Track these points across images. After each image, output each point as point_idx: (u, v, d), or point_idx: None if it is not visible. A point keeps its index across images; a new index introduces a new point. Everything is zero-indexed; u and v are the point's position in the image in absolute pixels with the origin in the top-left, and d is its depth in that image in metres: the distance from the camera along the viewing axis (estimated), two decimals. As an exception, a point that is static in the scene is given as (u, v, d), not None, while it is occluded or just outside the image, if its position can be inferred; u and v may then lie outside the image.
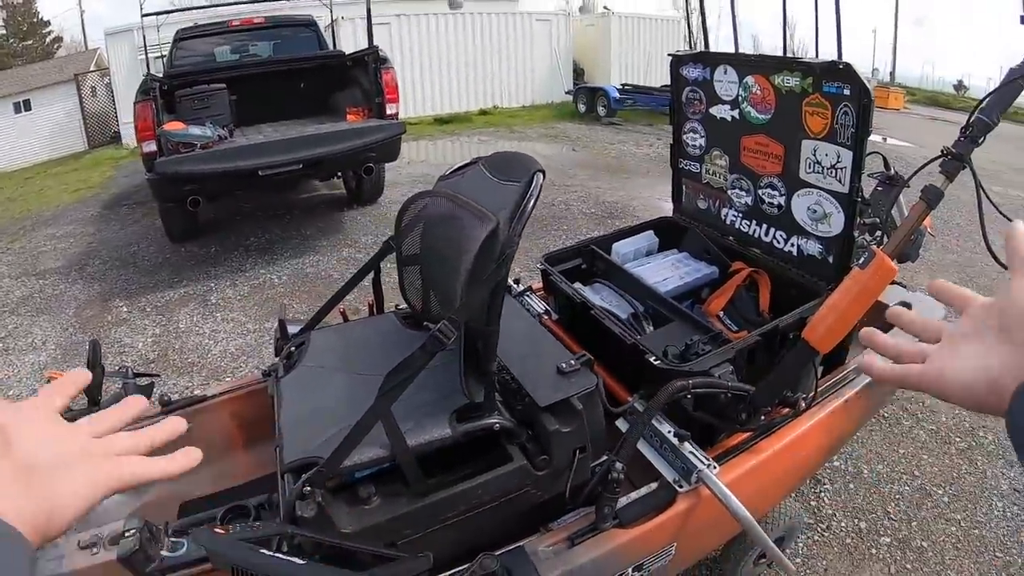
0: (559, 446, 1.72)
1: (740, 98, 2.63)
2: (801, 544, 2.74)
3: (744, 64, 2.59)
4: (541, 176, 1.71)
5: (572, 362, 1.85)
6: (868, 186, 2.84)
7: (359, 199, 7.59)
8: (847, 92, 2.18)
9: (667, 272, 2.75)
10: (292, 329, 2.44)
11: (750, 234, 2.76)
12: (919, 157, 9.57)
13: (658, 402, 1.81)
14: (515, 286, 2.91)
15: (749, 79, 2.56)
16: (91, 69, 17.60)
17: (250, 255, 6.41)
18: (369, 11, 6.83)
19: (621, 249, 2.93)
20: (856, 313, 1.71)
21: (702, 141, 2.92)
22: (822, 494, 3.05)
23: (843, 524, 2.88)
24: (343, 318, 2.67)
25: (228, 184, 6.05)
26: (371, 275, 2.51)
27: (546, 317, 2.71)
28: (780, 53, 2.69)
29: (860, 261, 1.70)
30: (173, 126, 5.73)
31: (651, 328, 2.50)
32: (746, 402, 1.95)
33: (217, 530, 1.64)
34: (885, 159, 3.01)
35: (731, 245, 2.82)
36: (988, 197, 1.81)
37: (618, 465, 1.75)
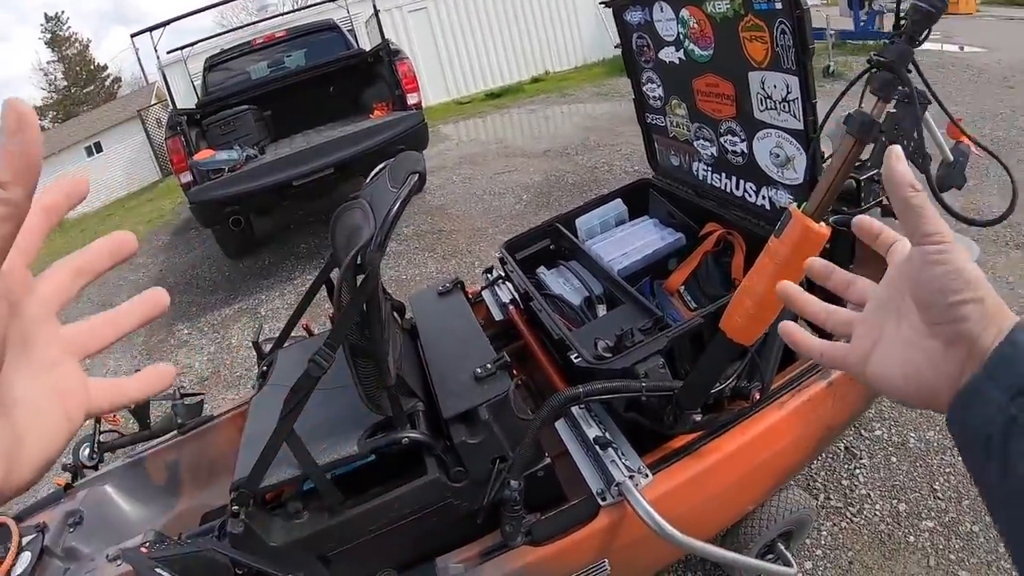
0: (471, 457, 1.65)
1: (681, 36, 2.17)
2: (824, 532, 2.30)
3: (675, -3, 2.14)
4: (415, 178, 1.59)
5: (488, 366, 1.76)
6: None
7: (405, 189, 7.33)
8: (779, 5, 1.71)
9: (630, 244, 2.35)
10: (268, 348, 2.45)
11: (723, 189, 2.31)
12: (992, 63, 8.55)
13: (540, 417, 1.58)
14: (488, 275, 2.67)
15: (684, 12, 2.10)
16: (152, 102, 18.22)
17: (299, 262, 6.37)
18: (375, 5, 6.56)
19: (585, 224, 2.54)
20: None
21: (660, 91, 2.48)
22: (856, 471, 2.56)
23: (878, 507, 2.40)
24: (308, 333, 2.63)
25: (265, 199, 5.97)
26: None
27: (512, 308, 2.44)
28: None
29: (777, 226, 1.29)
30: (202, 155, 5.74)
31: (605, 312, 2.13)
32: (672, 402, 1.61)
33: (143, 549, 1.65)
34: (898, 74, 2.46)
35: (708, 206, 2.38)
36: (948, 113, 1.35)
37: (512, 483, 1.56)
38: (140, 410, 3.04)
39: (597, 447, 1.64)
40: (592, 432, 1.67)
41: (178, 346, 5.40)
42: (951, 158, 2.33)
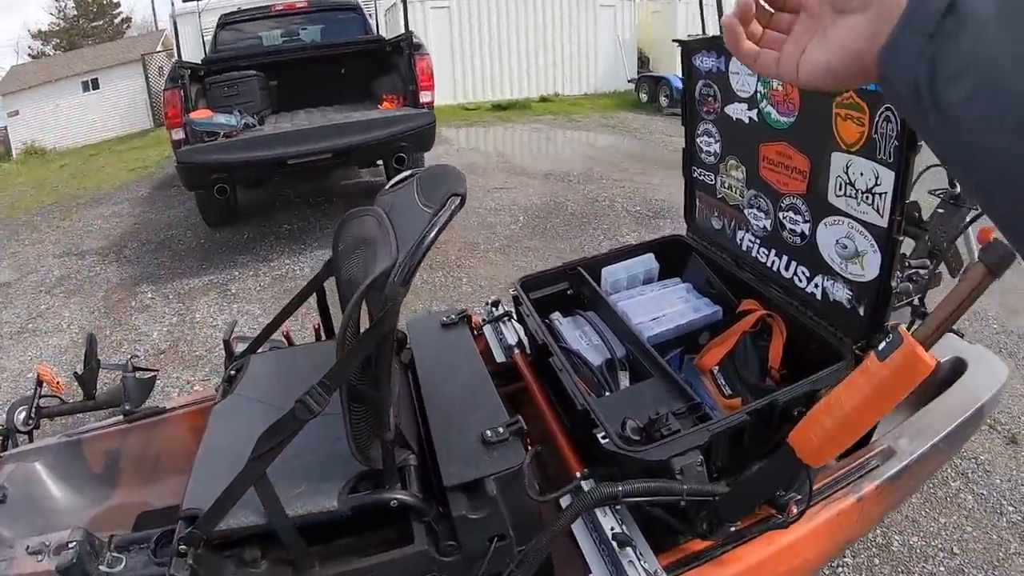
0: (468, 533, 1.45)
1: (759, 95, 1.99)
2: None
3: (763, 51, 1.95)
4: (456, 200, 1.34)
5: (500, 430, 1.54)
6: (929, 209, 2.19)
7: (398, 188, 7.11)
8: None
9: (661, 309, 2.15)
10: (240, 349, 2.23)
11: (768, 265, 2.14)
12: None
13: (567, 517, 1.38)
14: (493, 309, 2.43)
15: (770, 72, 1.93)
16: (158, 50, 17.89)
17: (279, 243, 6.11)
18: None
19: (611, 275, 2.34)
20: (867, 421, 1.18)
21: (717, 147, 2.30)
22: (839, 569, 2.41)
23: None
24: (288, 341, 2.39)
25: (255, 172, 5.78)
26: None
27: (518, 352, 2.22)
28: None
29: (881, 346, 1.12)
30: (199, 114, 5.48)
31: (627, 382, 1.93)
32: (710, 509, 1.43)
33: None
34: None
35: (746, 278, 2.20)
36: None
37: (516, 576, 1.37)
38: (86, 376, 2.78)
39: (615, 543, 1.43)
40: (609, 524, 1.46)
41: (139, 309, 5.11)
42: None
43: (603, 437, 1.52)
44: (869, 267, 1.75)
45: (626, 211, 6.52)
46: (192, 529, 1.38)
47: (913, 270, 2.03)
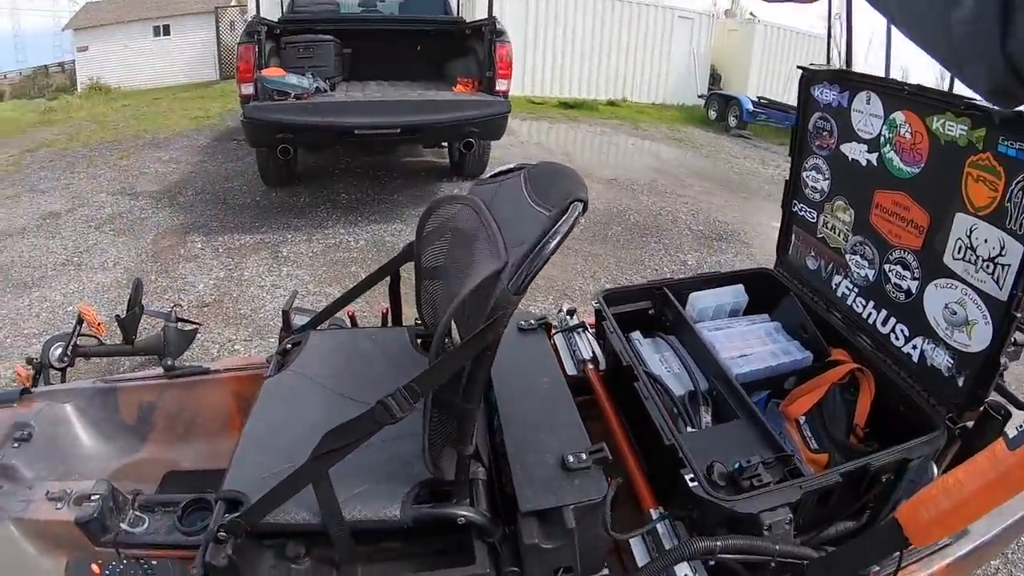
0: (536, 562, 1.36)
1: (883, 138, 1.90)
2: None
3: (896, 94, 1.85)
4: (579, 207, 1.21)
5: (583, 456, 1.44)
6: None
7: (461, 172, 7.08)
8: None
9: (749, 345, 2.07)
10: (299, 321, 2.18)
11: (863, 317, 2.04)
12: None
13: (659, 566, 1.31)
14: (568, 318, 2.35)
15: (899, 115, 1.82)
16: (232, 3, 18.01)
17: (336, 212, 6.08)
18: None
19: (699, 302, 2.26)
20: (984, 508, 1.09)
21: (825, 185, 2.20)
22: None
23: None
24: (351, 322, 2.35)
25: (321, 137, 5.74)
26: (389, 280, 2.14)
27: (591, 366, 2.14)
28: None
29: (1012, 433, 1.06)
30: (272, 72, 5.47)
31: (708, 418, 1.85)
32: (796, 573, 1.35)
33: (94, 567, 1.45)
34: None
35: (836, 325, 2.11)
36: None
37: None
38: (128, 321, 2.77)
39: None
40: (683, 571, 1.38)
41: (187, 259, 5.11)
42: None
43: (692, 480, 1.45)
44: (977, 337, 1.65)
45: (688, 229, 6.41)
46: (237, 517, 1.30)
47: (1019, 347, 1.93)
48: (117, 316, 2.80)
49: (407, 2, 7.49)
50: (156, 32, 17.52)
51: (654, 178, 8.13)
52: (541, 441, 1.52)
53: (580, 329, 2.28)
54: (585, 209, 1.22)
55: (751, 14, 16.46)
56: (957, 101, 1.64)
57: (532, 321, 2.07)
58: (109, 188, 6.70)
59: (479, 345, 1.20)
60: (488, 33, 5.97)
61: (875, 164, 1.94)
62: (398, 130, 5.40)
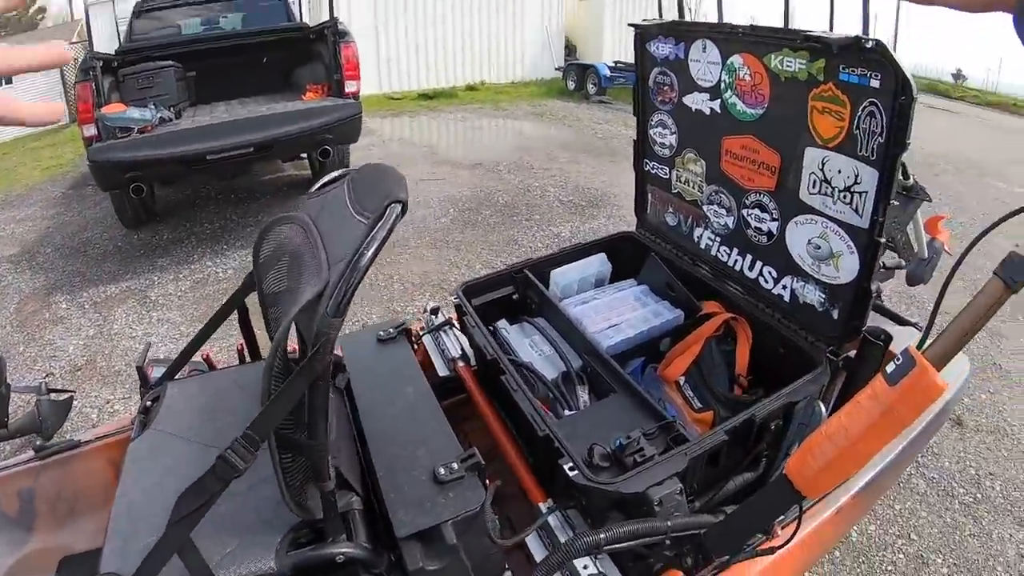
0: None
1: (723, 84, 1.83)
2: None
3: (729, 39, 1.77)
4: (396, 209, 1.10)
5: (455, 466, 1.37)
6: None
7: (323, 181, 6.79)
8: (875, 83, 1.39)
9: (618, 314, 1.98)
10: (157, 374, 1.98)
11: (730, 265, 1.99)
12: (924, 155, 8.75)
13: (547, 567, 1.17)
14: (433, 317, 2.20)
15: (736, 59, 1.75)
16: (74, 40, 16.91)
17: (201, 244, 5.73)
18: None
19: (561, 279, 2.15)
20: (873, 449, 1.04)
21: (673, 139, 2.13)
22: (800, 565, 2.34)
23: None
24: (207, 365, 2.13)
25: (173, 169, 5.33)
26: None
27: (462, 364, 2.00)
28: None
29: (890, 368, 0.99)
30: (111, 108, 5.07)
31: (586, 397, 1.75)
32: (695, 543, 1.28)
33: None
34: (903, 165, 2.25)
35: (704, 277, 2.05)
36: None
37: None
38: None
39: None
40: (582, 563, 1.28)
41: (53, 322, 4.70)
42: (926, 254, 2.13)
43: (571, 469, 1.35)
44: (845, 269, 1.61)
45: (559, 201, 6.37)
46: None
47: (889, 270, 1.92)
48: None
49: (249, 15, 7.10)
50: (-3, 82, 16.29)
51: (520, 156, 8.06)
52: (410, 457, 1.43)
53: (446, 327, 2.14)
54: (404, 210, 1.11)
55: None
56: (792, 36, 1.57)
57: (391, 329, 1.94)
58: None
59: (309, 376, 1.08)
60: (331, 35, 5.74)
61: (719, 111, 1.87)
62: (251, 149, 5.09)
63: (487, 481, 1.39)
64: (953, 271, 1.06)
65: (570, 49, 16.01)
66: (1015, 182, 8.06)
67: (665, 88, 2.08)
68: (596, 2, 15.44)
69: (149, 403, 1.80)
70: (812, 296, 1.72)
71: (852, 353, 1.64)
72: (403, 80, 13.51)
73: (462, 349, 2.06)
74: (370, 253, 1.04)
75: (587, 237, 4.93)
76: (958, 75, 19.18)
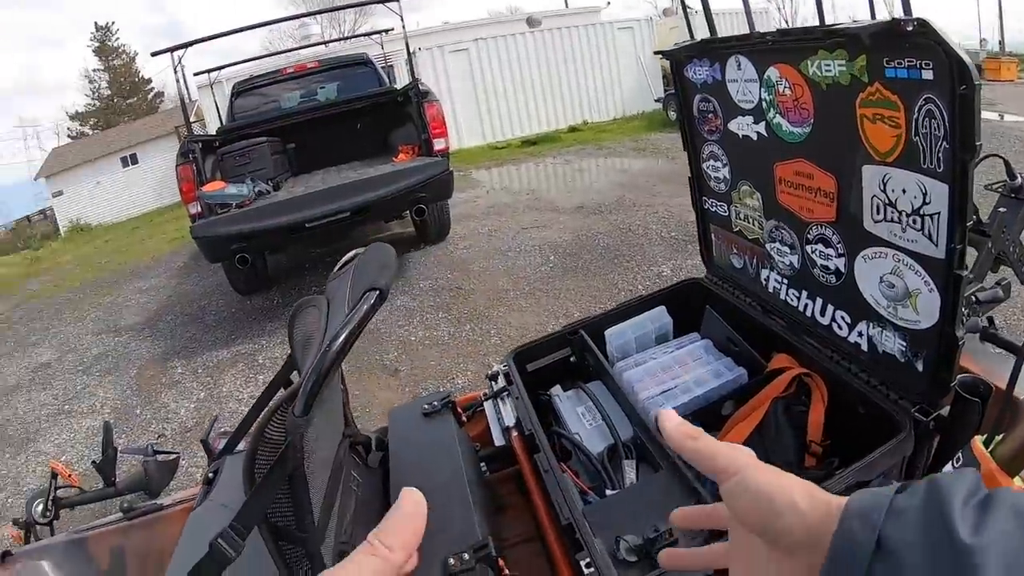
0: None
1: (764, 103, 1.56)
2: None
3: (758, 49, 1.51)
4: (372, 297, 0.98)
5: (466, 556, 1.19)
6: (986, 205, 1.72)
7: (426, 237, 6.85)
8: (928, 75, 1.08)
9: (673, 376, 1.70)
10: (219, 445, 1.94)
11: (800, 309, 1.69)
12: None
13: None
14: (493, 383, 2.00)
15: (772, 72, 1.48)
16: (193, 120, 18.44)
17: (310, 307, 5.84)
18: (407, 42, 6.12)
19: (616, 338, 1.89)
20: None
21: (726, 172, 1.86)
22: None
23: None
24: None
25: (274, 239, 5.55)
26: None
27: (515, 434, 1.77)
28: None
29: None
30: (210, 187, 5.37)
31: (633, 475, 1.50)
32: None
33: None
34: (1007, 163, 1.86)
35: (776, 328, 1.74)
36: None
37: None
38: (104, 464, 2.65)
39: None
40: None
41: (169, 386, 4.97)
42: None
43: (587, 565, 1.13)
44: (924, 311, 1.29)
45: (660, 238, 6.09)
46: None
47: (985, 305, 1.57)
48: (93, 462, 2.67)
49: (344, 84, 7.33)
50: (124, 163, 17.97)
51: (621, 194, 7.86)
52: (429, 542, 1.24)
53: (505, 393, 1.94)
54: (383, 297, 0.99)
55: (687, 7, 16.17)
56: (825, 33, 1.29)
57: (436, 402, 1.74)
58: (94, 328, 6.66)
59: (280, 477, 0.99)
60: (414, 96, 5.78)
61: (766, 135, 1.60)
62: (347, 213, 5.22)
63: (505, 572, 1.20)
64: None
65: (668, 79, 15.72)
66: None
67: (710, 116, 1.82)
68: (686, 28, 15.15)
69: (211, 475, 1.78)
70: (892, 344, 1.40)
71: (946, 411, 1.32)
72: (506, 129, 13.66)
73: (516, 418, 1.87)
74: (337, 344, 0.94)
75: (690, 274, 4.67)
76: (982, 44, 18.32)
